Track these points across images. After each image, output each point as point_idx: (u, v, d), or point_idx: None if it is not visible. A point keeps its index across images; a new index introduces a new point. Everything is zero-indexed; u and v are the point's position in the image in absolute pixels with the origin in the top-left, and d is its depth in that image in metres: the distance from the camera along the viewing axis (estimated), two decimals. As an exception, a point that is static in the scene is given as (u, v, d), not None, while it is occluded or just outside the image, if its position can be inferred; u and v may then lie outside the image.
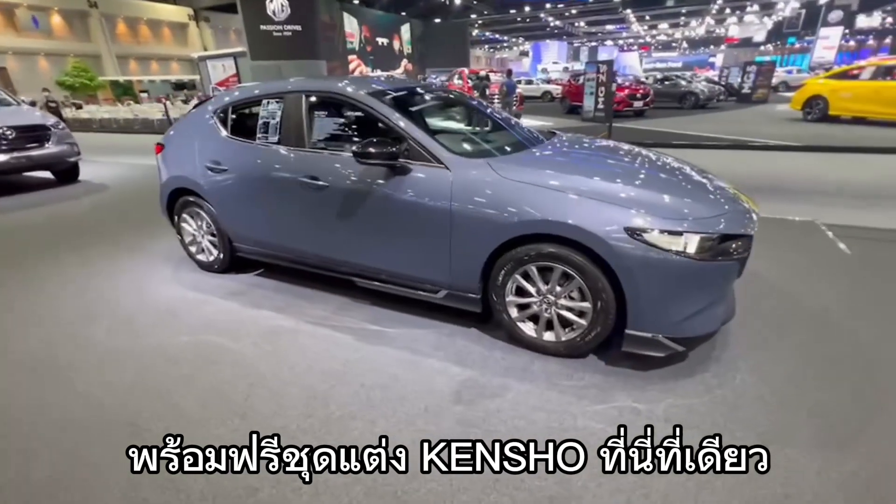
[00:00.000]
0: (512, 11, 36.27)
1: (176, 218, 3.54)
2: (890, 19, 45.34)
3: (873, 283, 3.06)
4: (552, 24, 44.43)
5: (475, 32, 42.78)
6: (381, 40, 27.92)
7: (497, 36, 50.95)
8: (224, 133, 3.13)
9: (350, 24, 25.31)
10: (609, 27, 50.34)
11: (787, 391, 2.05)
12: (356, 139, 2.72)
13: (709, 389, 2.07)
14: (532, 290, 2.27)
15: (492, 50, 58.27)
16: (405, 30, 30.34)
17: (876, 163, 6.86)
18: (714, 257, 1.98)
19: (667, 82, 17.55)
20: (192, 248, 3.59)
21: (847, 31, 37.64)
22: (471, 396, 2.07)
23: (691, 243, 1.94)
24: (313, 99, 2.81)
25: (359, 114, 2.70)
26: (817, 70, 25.05)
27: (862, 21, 39.49)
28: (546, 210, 2.08)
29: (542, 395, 2.07)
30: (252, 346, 2.53)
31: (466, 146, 2.65)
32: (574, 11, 38.70)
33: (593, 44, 60.98)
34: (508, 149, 2.65)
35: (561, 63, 44.65)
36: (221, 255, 3.39)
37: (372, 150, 2.34)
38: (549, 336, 2.32)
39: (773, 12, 43.18)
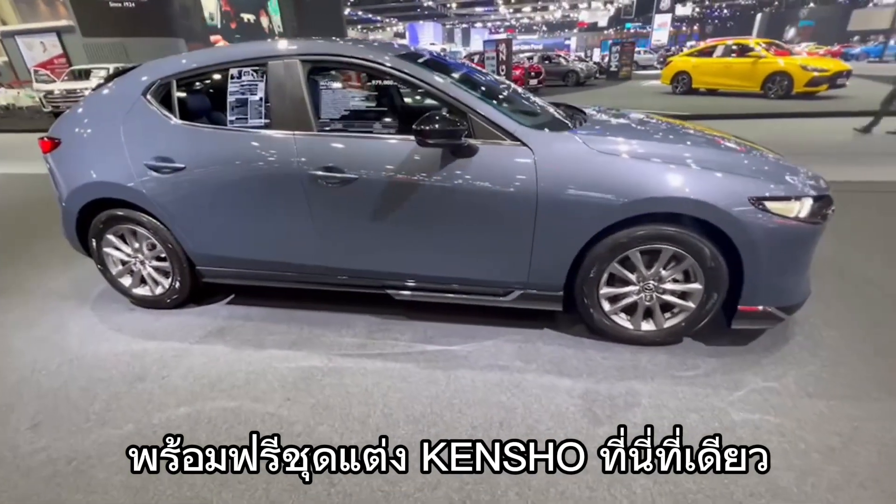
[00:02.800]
0: (385, -11, 35.12)
1: (93, 243, 2.53)
2: (698, 9, 54.63)
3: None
4: (425, 5, 44.24)
5: (347, 11, 40.65)
6: (247, 17, 24.82)
7: (370, 16, 49.20)
8: (172, 118, 2.26)
9: (206, -4, 21.98)
10: (478, 9, 51.89)
11: (868, 340, 2.13)
12: (387, 117, 2.15)
13: (813, 353, 2.07)
14: (633, 277, 2.02)
15: (365, 31, 56.17)
16: (273, 5, 27.43)
17: (756, 126, 8.02)
18: (818, 220, 1.93)
19: (550, 62, 18.62)
20: (126, 281, 2.62)
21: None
22: (606, 412, 1.77)
23: (805, 207, 1.86)
24: (315, 66, 2.13)
25: (386, 84, 2.12)
26: (660, 51, 28.86)
27: (678, 10, 46.76)
28: (661, 186, 1.82)
29: (675, 392, 1.85)
30: (287, 402, 1.88)
31: (528, 119, 2.19)
32: (446, -8, 38.96)
33: (464, 26, 62.46)
34: (563, 122, 2.31)
35: (438, 44, 44.96)
36: (178, 284, 2.52)
37: (439, 126, 1.83)
38: (647, 325, 2.11)
39: (614, 0, 48.76)
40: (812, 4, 50.36)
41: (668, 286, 2.01)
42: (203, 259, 2.43)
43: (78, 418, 1.84)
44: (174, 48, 18.20)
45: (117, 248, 2.54)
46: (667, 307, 2.08)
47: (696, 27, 62.09)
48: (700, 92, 12.62)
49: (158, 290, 2.59)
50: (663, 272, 1.99)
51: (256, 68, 2.16)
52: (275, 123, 2.13)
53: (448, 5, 47.03)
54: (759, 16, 52.01)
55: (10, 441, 1.75)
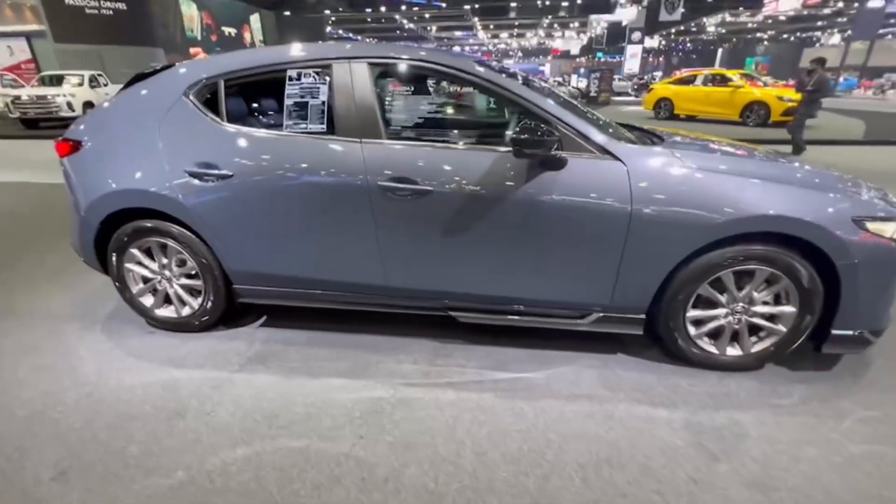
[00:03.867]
0: (368, 10, 35.49)
1: (113, 257, 2.24)
2: (664, 42, 57.93)
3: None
4: (406, 27, 44.94)
5: (328, 30, 40.84)
6: (228, 30, 24.44)
7: (351, 35, 49.56)
8: (219, 121, 2.04)
9: (188, 8, 21.57)
10: (458, 34, 53.13)
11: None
12: (460, 126, 2.01)
13: (900, 377, 2.01)
14: (723, 299, 1.92)
15: (344, 49, 56.38)
16: (255, 20, 27.18)
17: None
18: (908, 241, 1.90)
19: (533, 85, 19.04)
20: (147, 301, 2.33)
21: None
22: (718, 446, 1.63)
23: (897, 228, 1.82)
24: (384, 71, 1.98)
25: (456, 93, 1.98)
26: (633, 79, 30.18)
27: (647, 42, 49.52)
28: (763, 204, 1.75)
29: (780, 423, 1.74)
30: (361, 440, 1.65)
31: (617, 133, 2.08)
32: (428, 16, 39.72)
33: (443, 49, 63.73)
34: (645, 138, 2.22)
35: (418, 65, 45.50)
36: (210, 304, 2.25)
37: (537, 137, 1.70)
38: (733, 350, 2.01)
39: (587, 30, 51.08)
40: (766, 43, 54.25)
41: (759, 309, 1.93)
42: (243, 277, 2.19)
43: (113, 464, 1.55)
44: (152, 58, 17.64)
45: (141, 264, 2.27)
46: (752, 331, 1.99)
47: (661, 58, 65.67)
48: (680, 118, 13.12)
49: (185, 311, 2.31)
50: (756, 294, 1.90)
51: (319, 70, 1.99)
52: (339, 130, 1.95)
53: (428, 28, 47.97)
54: (720, 50, 55.55)
55: (31, 495, 1.45)
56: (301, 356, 2.16)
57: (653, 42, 51.49)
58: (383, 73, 2.01)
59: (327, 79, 1.98)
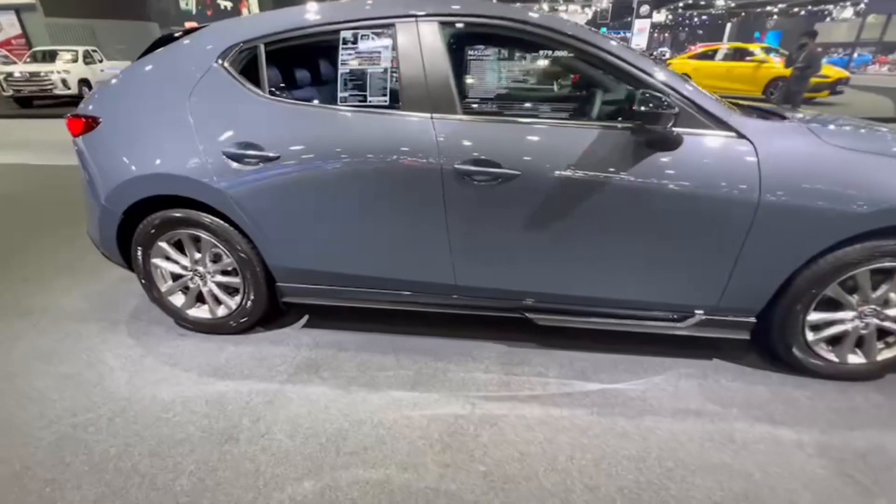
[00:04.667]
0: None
1: (138, 252, 1.97)
2: (671, 16, 56.36)
3: None
4: (406, 0, 43.49)
5: (326, 3, 39.42)
6: (224, 3, 23.52)
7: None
8: (261, 93, 1.74)
9: (181, -20, 20.72)
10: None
11: None
12: (551, 99, 1.72)
13: None
14: (853, 300, 1.66)
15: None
16: (252, -7, 26.19)
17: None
18: None
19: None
20: (178, 300, 2.07)
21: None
22: (868, 478, 1.39)
23: None
24: (459, 32, 1.67)
25: (555, 57, 1.67)
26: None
27: (654, 17, 48.25)
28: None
29: (927, 445, 1.51)
30: (448, 470, 1.41)
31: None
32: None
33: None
34: (769, 112, 1.91)
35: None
36: (249, 304, 1.99)
37: (661, 111, 1.41)
38: (855, 358, 1.77)
39: (592, 4, 49.63)
40: (776, 17, 52.71)
41: (893, 312, 1.67)
42: (288, 274, 1.92)
43: (164, 502, 1.32)
44: (146, 33, 17.01)
45: (170, 259, 2.00)
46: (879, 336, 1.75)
47: (668, 34, 63.93)
48: (699, 95, 12.65)
49: (221, 312, 2.05)
50: (893, 296, 1.64)
51: (379, 31, 1.68)
52: (405, 103, 1.66)
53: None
54: (728, 25, 54.03)
55: (70, 544, 1.22)
56: (356, 363, 1.91)
57: (659, 17, 50.14)
58: (456, 34, 1.70)
59: (390, 42, 1.67)
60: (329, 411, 1.65)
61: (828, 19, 52.24)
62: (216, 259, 1.98)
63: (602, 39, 1.59)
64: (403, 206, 1.70)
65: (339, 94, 1.71)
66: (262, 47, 1.75)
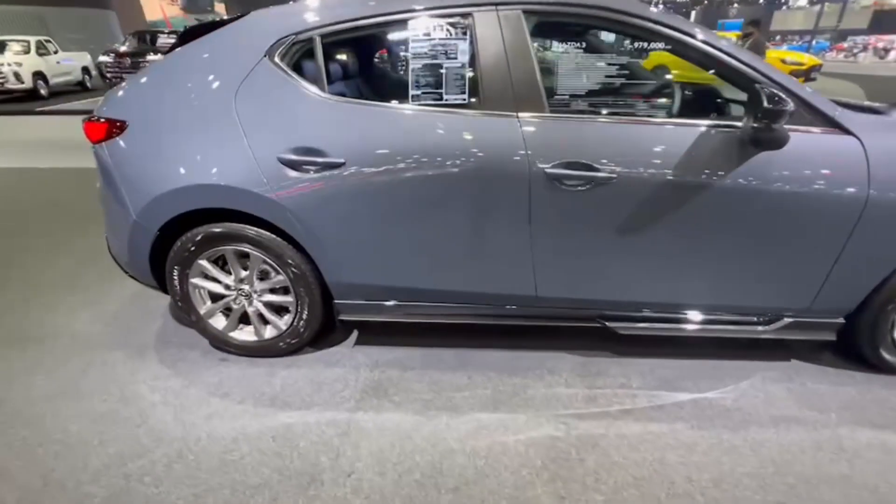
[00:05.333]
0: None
1: (174, 272, 1.76)
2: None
3: None
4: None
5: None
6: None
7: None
8: (320, 92, 1.55)
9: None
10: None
11: None
12: (640, 95, 1.60)
13: None
14: (945, 299, 1.64)
15: None
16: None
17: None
18: None
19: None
20: (219, 323, 1.87)
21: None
22: None
23: None
24: (545, 22, 1.53)
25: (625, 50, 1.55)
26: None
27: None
28: None
29: None
30: (561, 501, 1.30)
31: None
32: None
33: None
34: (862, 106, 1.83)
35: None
36: (302, 324, 1.82)
37: (784, 109, 1.30)
38: (937, 354, 1.75)
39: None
40: (737, 5, 54.34)
41: (982, 307, 1.66)
42: (349, 290, 1.75)
43: (258, 565, 1.16)
44: (103, 23, 15.94)
45: (211, 278, 1.79)
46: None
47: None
48: (677, 83, 12.86)
49: (269, 333, 1.87)
50: (985, 291, 1.63)
51: (455, 22, 1.52)
52: (486, 101, 1.51)
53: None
54: (693, 13, 55.32)
55: None
56: (426, 383, 1.77)
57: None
58: (543, 23, 1.56)
59: (468, 33, 1.51)
60: (414, 441, 1.51)
61: (784, 7, 54.34)
62: (264, 276, 1.79)
63: (709, 34, 1.49)
64: (484, 214, 1.56)
65: (411, 92, 1.54)
66: (318, 40, 1.56)
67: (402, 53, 1.57)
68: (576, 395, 1.71)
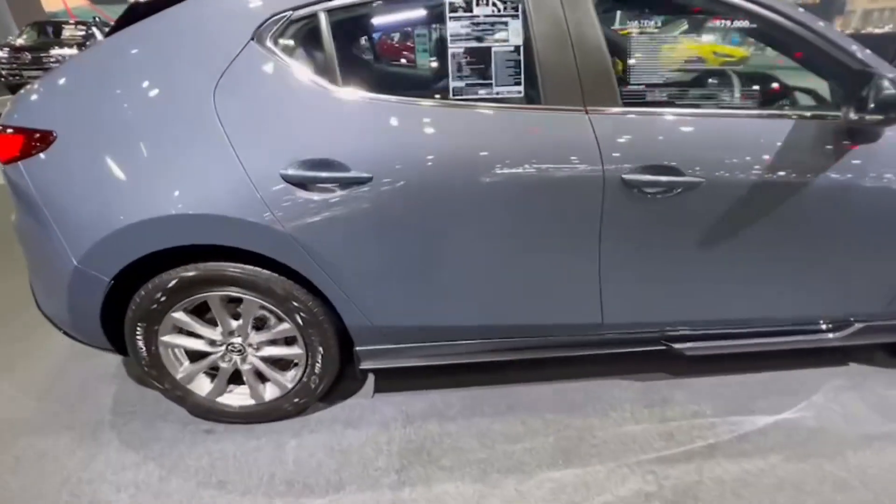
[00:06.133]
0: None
1: (138, 331, 1.32)
2: None
3: None
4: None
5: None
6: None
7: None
8: (330, 85, 1.18)
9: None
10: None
11: None
12: (729, 84, 1.38)
13: None
14: None
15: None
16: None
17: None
18: None
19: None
20: (202, 386, 1.45)
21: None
22: None
23: None
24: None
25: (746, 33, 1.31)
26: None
27: None
28: None
29: None
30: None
31: None
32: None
33: None
34: None
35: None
36: (314, 378, 1.43)
37: None
38: None
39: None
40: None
41: None
42: (376, 334, 1.40)
43: None
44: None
45: (189, 333, 1.37)
46: None
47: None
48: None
49: (271, 394, 1.48)
50: None
51: (503, -4, 1.21)
52: (548, 93, 1.21)
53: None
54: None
55: None
56: (475, 436, 1.47)
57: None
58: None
59: (519, 9, 1.21)
60: (485, 523, 1.21)
61: None
62: (261, 325, 1.40)
63: (807, 16, 1.28)
64: (547, 230, 1.28)
65: (452, 83, 1.22)
66: (323, 17, 1.19)
67: (433, 34, 1.24)
68: (650, 433, 1.48)
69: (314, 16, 1.19)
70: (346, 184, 1.18)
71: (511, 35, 1.21)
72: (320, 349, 1.40)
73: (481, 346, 1.49)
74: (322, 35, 1.19)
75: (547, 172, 1.21)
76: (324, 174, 1.16)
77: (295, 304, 1.31)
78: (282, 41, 1.19)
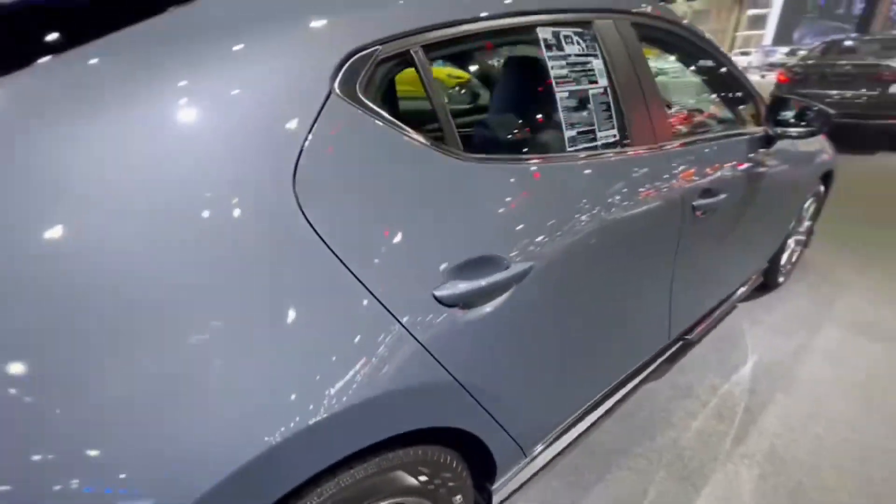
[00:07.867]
0: None
1: None
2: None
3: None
4: None
5: None
6: None
7: None
8: (455, 151, 0.78)
9: None
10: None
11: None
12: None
13: None
14: None
15: None
16: None
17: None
18: None
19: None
20: None
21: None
22: None
23: None
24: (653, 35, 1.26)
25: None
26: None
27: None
28: None
29: None
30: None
31: None
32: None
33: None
34: None
35: None
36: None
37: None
38: None
39: None
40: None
41: None
42: (518, 457, 1.04)
43: None
44: None
45: None
46: None
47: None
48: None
49: None
50: None
51: (578, 30, 1.05)
52: (633, 134, 1.14)
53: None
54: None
55: None
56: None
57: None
58: (647, 37, 1.26)
59: (595, 45, 1.09)
60: None
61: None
62: None
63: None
64: (641, 268, 1.23)
65: (567, 134, 1.00)
66: (420, 53, 0.79)
67: (532, 74, 1.00)
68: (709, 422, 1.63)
69: (406, 52, 0.78)
70: (504, 285, 0.84)
71: (598, 76, 1.09)
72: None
73: (588, 409, 1.32)
74: (424, 76, 0.80)
75: (652, 214, 1.16)
76: (484, 283, 0.79)
77: (446, 474, 0.86)
78: (371, 89, 0.74)
